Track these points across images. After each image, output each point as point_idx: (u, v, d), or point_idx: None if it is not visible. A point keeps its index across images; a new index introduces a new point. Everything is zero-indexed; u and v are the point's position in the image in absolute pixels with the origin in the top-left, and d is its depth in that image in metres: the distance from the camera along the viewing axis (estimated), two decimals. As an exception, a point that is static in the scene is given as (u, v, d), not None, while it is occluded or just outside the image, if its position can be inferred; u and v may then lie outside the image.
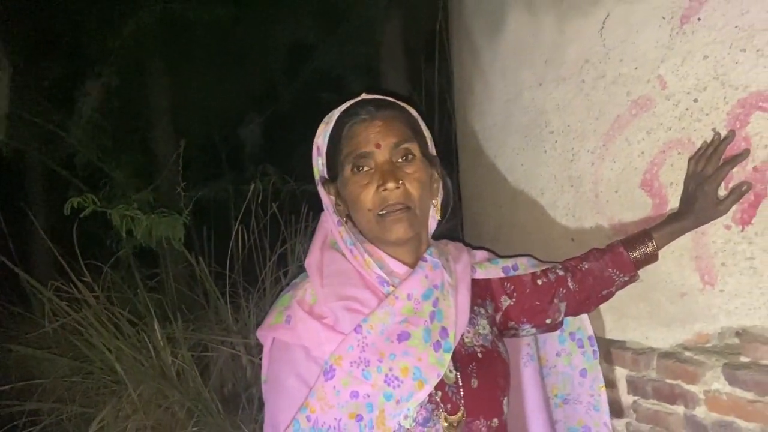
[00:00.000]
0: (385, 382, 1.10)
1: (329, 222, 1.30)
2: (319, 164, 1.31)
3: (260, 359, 1.28)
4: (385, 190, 1.18)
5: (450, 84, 2.43)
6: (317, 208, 1.34)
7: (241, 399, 3.00)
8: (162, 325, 3.12)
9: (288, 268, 3.37)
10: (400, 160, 1.21)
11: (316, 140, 1.30)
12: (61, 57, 5.22)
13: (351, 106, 1.26)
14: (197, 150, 5.57)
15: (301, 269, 1.31)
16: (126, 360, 3.00)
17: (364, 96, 1.27)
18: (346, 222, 1.27)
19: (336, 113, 1.27)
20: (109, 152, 5.11)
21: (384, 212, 1.19)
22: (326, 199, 1.30)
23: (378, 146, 1.19)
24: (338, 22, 5.45)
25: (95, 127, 5.08)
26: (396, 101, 1.29)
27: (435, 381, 1.13)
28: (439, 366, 1.14)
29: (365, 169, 1.21)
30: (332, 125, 1.26)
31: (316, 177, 1.32)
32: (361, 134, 1.21)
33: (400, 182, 1.18)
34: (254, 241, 3.47)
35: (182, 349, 3.02)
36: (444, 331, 1.18)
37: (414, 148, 1.23)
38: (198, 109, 5.25)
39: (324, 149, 1.29)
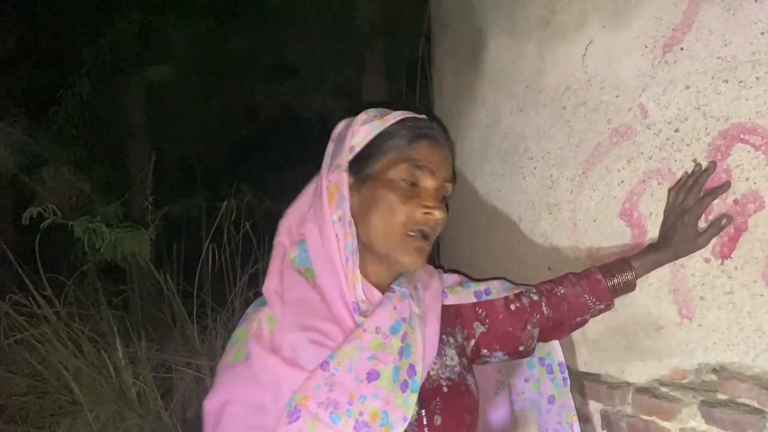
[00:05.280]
0: (354, 428, 1.02)
1: (309, 228, 1.18)
2: (347, 150, 1.19)
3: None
4: (428, 213, 1.14)
5: (431, 111, 2.41)
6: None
7: (204, 423, 2.90)
8: (125, 344, 3.01)
9: (258, 289, 3.29)
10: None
11: (359, 126, 1.19)
12: (35, 65, 5.13)
13: (416, 120, 1.22)
14: (172, 165, 5.49)
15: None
16: (84, 379, 2.90)
17: (424, 117, 1.25)
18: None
19: (393, 116, 1.20)
20: (81, 164, 5.00)
21: (413, 233, 1.14)
22: (345, 190, 1.17)
23: (436, 171, 1.17)
24: (321, 46, 5.44)
25: (67, 137, 4.97)
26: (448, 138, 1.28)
27: (402, 426, 1.05)
28: (405, 408, 1.07)
29: (412, 183, 1.16)
30: (388, 125, 1.19)
31: (342, 160, 1.18)
32: (427, 150, 1.18)
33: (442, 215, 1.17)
34: (225, 260, 3.39)
35: (144, 370, 2.92)
36: (411, 368, 1.11)
37: (451, 189, 1.23)
38: (174, 125, 5.17)
39: (367, 140, 1.18)
